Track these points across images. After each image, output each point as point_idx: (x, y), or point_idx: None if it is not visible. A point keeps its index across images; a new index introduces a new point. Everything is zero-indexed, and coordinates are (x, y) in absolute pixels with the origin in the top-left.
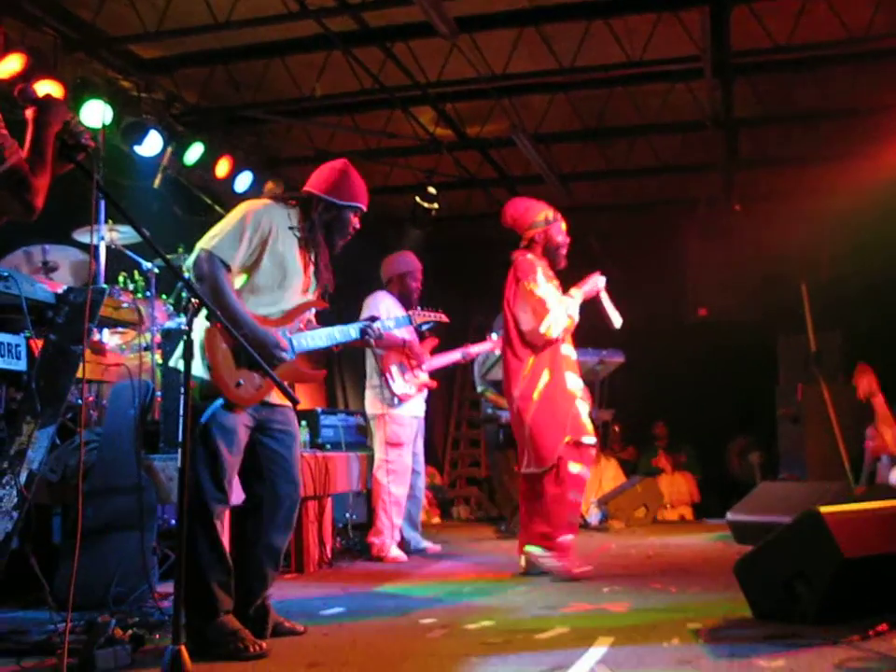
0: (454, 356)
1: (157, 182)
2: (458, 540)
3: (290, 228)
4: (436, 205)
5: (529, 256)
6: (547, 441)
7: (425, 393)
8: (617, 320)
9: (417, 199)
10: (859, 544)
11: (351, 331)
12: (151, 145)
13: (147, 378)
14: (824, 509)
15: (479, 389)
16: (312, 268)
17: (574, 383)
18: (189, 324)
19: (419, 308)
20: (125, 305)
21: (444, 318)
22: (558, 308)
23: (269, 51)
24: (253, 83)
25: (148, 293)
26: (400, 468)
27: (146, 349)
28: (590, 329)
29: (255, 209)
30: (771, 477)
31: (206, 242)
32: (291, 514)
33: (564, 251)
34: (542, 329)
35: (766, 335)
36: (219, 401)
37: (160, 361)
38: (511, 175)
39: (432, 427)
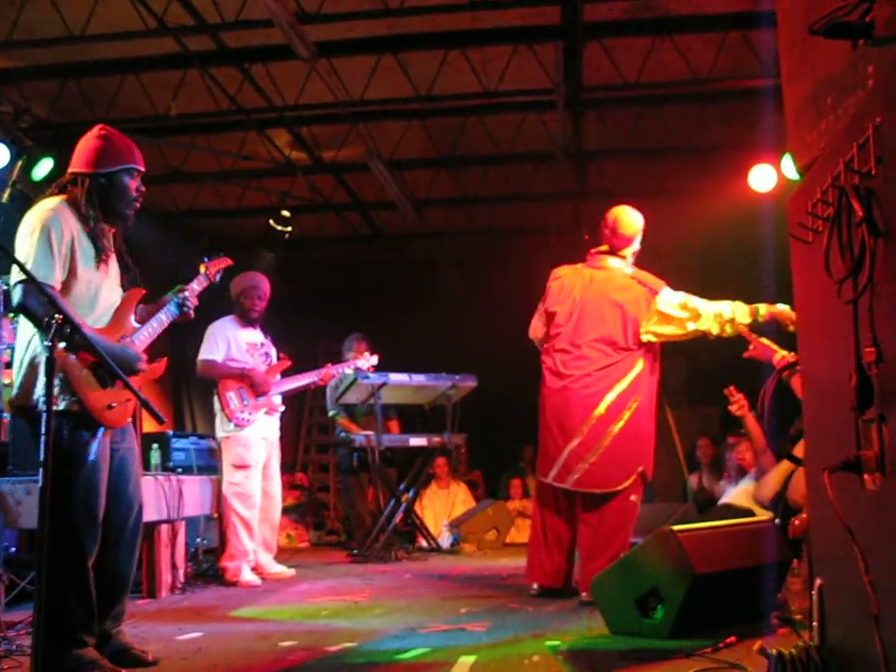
0: (309, 377)
1: (4, 197)
2: (311, 565)
3: (80, 223)
4: (289, 228)
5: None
6: (625, 464)
7: (276, 415)
8: None
9: (271, 222)
10: (709, 561)
11: (172, 308)
12: None
13: None
14: (677, 527)
15: (330, 413)
16: (109, 255)
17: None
18: (52, 341)
19: (209, 263)
20: None
21: (229, 261)
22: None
23: (124, 67)
24: (106, 99)
25: None
26: (248, 490)
27: None
28: (443, 353)
29: (47, 218)
30: None
31: (19, 275)
32: (136, 534)
33: None
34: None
35: None
36: (101, 431)
37: (5, 381)
38: (365, 200)
39: (281, 451)
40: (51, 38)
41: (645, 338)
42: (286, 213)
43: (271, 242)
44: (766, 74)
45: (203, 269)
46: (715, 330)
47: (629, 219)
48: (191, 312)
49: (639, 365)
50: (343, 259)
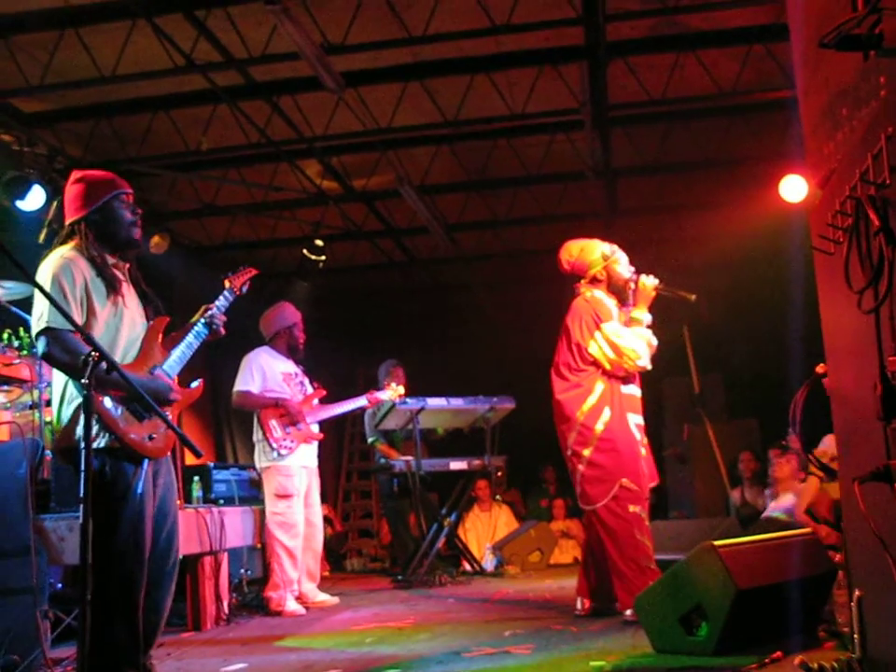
0: (354, 402)
1: (42, 237)
2: (355, 592)
3: (90, 265)
4: (323, 258)
5: (598, 293)
6: (601, 481)
7: (315, 444)
8: (690, 296)
9: (305, 251)
10: (752, 575)
11: (200, 329)
12: (34, 199)
13: (34, 436)
14: (718, 542)
15: (370, 440)
16: (121, 284)
17: (636, 425)
18: (90, 378)
19: (232, 277)
20: (16, 362)
21: (253, 271)
22: (638, 342)
23: (154, 105)
24: (138, 137)
25: (35, 349)
26: (291, 519)
27: (31, 407)
28: (480, 376)
29: (58, 266)
30: (661, 516)
31: (38, 325)
32: (175, 568)
33: (631, 285)
34: (641, 363)
35: (651, 377)
36: (146, 463)
37: (47, 419)
38: (397, 227)
39: (323, 479)
40: (83, 80)
41: (590, 355)
42: (319, 242)
43: (305, 271)
44: (791, 84)
45: (227, 284)
46: (649, 364)
47: (564, 254)
48: (221, 328)
49: (600, 386)
50: (377, 285)
